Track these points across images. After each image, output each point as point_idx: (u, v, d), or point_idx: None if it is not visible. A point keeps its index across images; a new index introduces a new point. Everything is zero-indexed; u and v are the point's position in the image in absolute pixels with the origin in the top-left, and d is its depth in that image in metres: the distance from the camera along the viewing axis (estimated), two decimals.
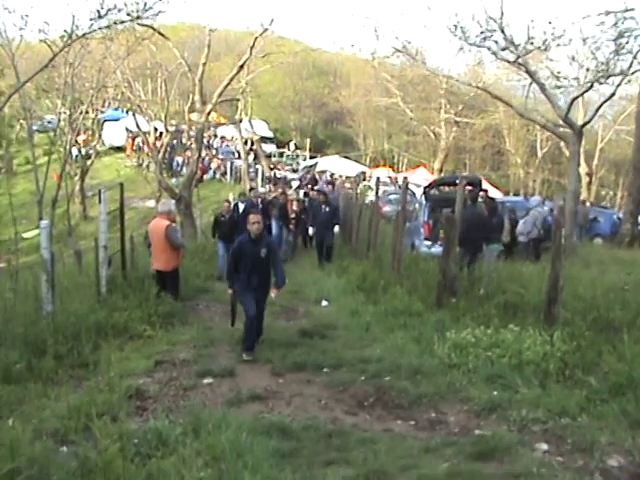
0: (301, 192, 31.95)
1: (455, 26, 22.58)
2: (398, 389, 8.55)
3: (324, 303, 15.15)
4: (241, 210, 19.71)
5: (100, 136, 51.73)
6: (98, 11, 18.05)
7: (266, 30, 30.90)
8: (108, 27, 19.42)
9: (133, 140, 54.24)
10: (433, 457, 6.49)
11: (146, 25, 21.97)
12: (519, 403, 7.76)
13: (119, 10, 18.27)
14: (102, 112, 50.91)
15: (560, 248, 10.30)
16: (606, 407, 7.49)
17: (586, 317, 9.99)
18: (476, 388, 8.37)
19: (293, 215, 23.14)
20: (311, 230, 22.54)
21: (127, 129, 51.51)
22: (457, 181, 15.01)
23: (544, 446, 6.73)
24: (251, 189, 28.02)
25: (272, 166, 50.11)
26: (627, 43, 21.19)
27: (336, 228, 22.36)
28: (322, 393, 8.79)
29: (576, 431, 6.96)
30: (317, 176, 44.24)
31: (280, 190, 25.77)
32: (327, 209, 21.62)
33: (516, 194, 43.68)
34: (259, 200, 22.14)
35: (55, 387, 8.97)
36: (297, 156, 61.71)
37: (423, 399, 8.24)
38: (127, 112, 51.57)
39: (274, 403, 8.38)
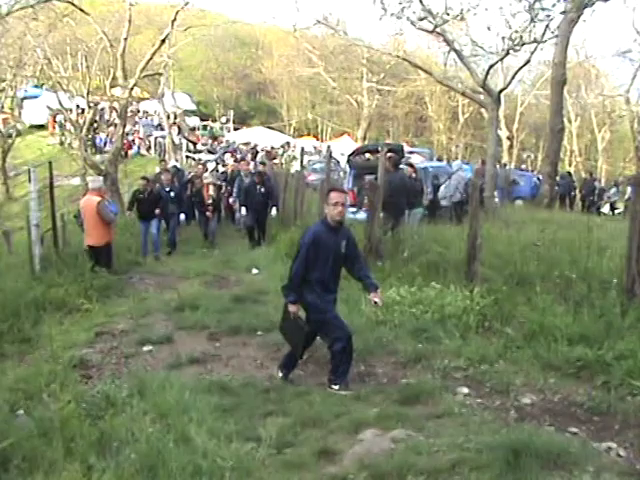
0: (221, 169, 31.65)
1: None
2: None
3: (254, 271, 15.51)
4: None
5: (20, 115, 50.93)
6: None
7: (187, 3, 30.82)
8: (32, 6, 19.28)
9: (54, 118, 53.38)
10: (363, 404, 7.03)
11: (67, 1, 21.78)
12: (442, 353, 8.34)
13: None
14: (22, 90, 50.08)
15: (477, 208, 10.91)
16: (521, 353, 8.17)
17: (503, 273, 10.61)
18: (402, 342, 8.92)
19: (210, 201, 21.01)
20: (244, 211, 20.54)
21: (48, 107, 50.71)
22: (379, 148, 15.48)
23: (465, 390, 7.35)
24: (162, 161, 27.49)
25: (188, 139, 49.81)
26: (541, 11, 21.87)
27: (273, 211, 20.84)
28: (257, 354, 9.25)
29: (494, 375, 7.59)
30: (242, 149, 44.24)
31: (200, 167, 24.52)
32: (262, 190, 19.88)
33: (439, 159, 44.37)
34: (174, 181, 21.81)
35: None
36: (221, 129, 61.46)
37: (353, 354, 8.73)
38: (47, 89, 50.83)
39: (212, 365, 8.80)
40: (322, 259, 7.88)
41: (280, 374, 8.30)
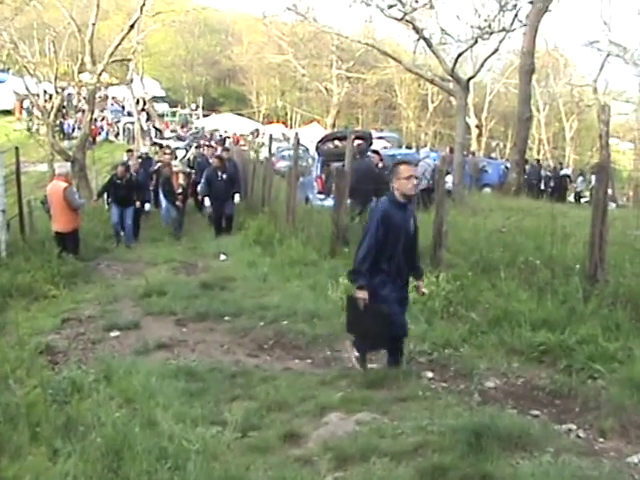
0: (192, 152, 31.34)
1: None
2: (295, 331, 9.08)
3: (222, 257, 15.52)
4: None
5: None
6: None
7: None
8: None
9: (21, 103, 52.86)
10: (329, 388, 7.07)
11: None
12: (407, 338, 8.40)
13: None
14: None
15: (443, 195, 11.03)
16: (485, 338, 8.25)
17: (469, 259, 10.72)
18: None
19: (180, 190, 19.91)
20: (207, 202, 19.32)
21: (15, 92, 50.20)
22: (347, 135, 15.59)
23: (429, 374, 7.42)
24: (129, 150, 27.04)
25: (155, 127, 49.65)
26: (509, 0, 22.12)
27: (237, 198, 19.53)
28: (224, 339, 9.24)
29: (458, 360, 7.68)
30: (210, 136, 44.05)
31: (167, 157, 23.04)
32: (224, 176, 18.98)
33: (408, 147, 44.58)
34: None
35: None
36: (191, 115, 61.27)
37: (319, 339, 8.83)
38: (14, 74, 50.31)
39: (180, 350, 8.78)
40: (392, 240, 7.16)
41: (356, 354, 7.50)
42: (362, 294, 7.12)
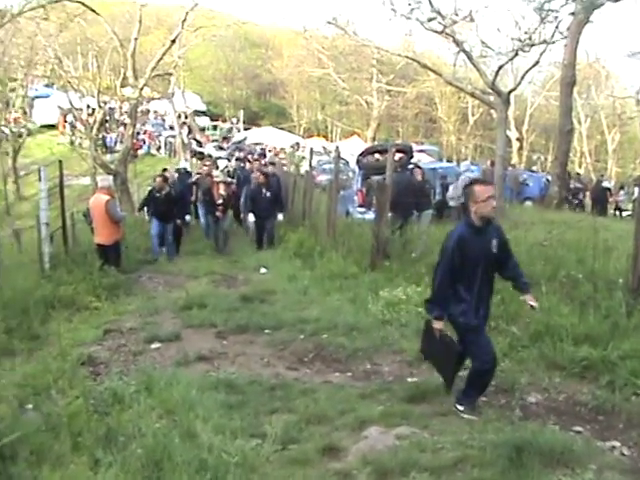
0: (232, 165, 31.30)
1: None
2: (335, 345, 9.06)
3: (263, 270, 15.56)
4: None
5: (31, 114, 51.07)
6: None
7: (196, 4, 30.99)
8: (43, 6, 19.40)
9: (65, 117, 53.44)
10: (369, 402, 7.05)
11: (78, 1, 21.90)
12: None
13: None
14: (33, 89, 50.25)
15: None
16: (526, 352, 8.20)
17: None
18: (408, 341, 8.93)
19: (220, 200, 19.42)
20: (252, 217, 19.45)
21: (59, 107, 50.79)
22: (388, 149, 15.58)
23: None
24: (164, 169, 26.81)
25: (195, 139, 49.89)
26: (550, 12, 21.98)
27: (280, 216, 19.61)
28: (264, 352, 9.23)
29: (499, 374, 7.55)
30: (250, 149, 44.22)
31: (206, 168, 22.91)
32: (268, 193, 19.01)
33: (449, 160, 44.46)
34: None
35: (8, 359, 9.26)
36: (231, 129, 61.51)
37: (359, 353, 8.80)
38: (58, 89, 50.95)
39: (220, 363, 8.79)
40: (470, 265, 6.73)
41: (461, 407, 6.75)
42: (438, 325, 6.88)
